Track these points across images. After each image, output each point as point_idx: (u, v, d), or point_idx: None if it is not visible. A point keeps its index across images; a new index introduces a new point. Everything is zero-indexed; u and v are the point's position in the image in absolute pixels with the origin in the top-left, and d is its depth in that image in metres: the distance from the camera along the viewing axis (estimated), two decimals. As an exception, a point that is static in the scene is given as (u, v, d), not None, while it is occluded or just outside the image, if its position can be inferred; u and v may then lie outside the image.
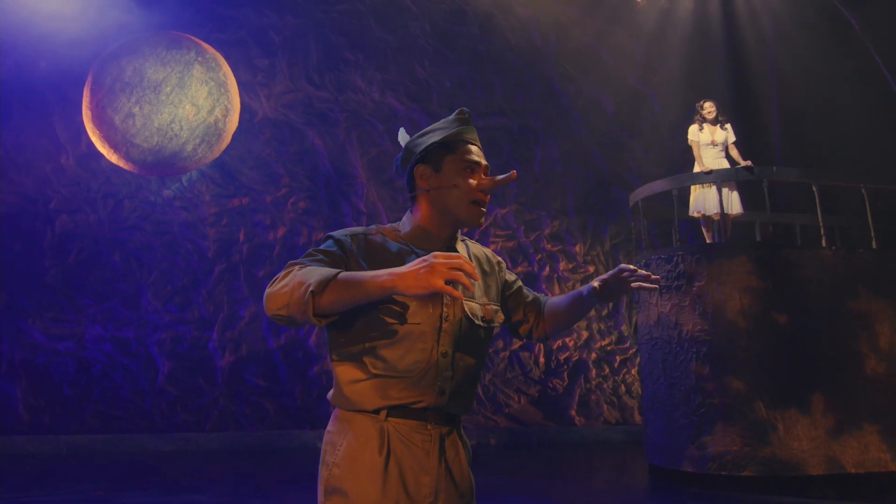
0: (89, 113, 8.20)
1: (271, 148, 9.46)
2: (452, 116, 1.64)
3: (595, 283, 1.67)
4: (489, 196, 1.58)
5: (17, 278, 8.43)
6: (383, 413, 1.48)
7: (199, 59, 8.47)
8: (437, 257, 1.25)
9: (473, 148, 1.60)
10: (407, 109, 9.92)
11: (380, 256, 1.52)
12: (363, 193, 9.61)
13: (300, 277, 1.33)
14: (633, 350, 9.76)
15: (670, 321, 6.08)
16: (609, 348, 9.89)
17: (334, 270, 1.34)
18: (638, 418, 9.50)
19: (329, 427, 1.56)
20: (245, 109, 9.25)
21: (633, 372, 9.72)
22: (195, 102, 8.37)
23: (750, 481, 5.54)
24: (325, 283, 1.30)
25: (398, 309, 1.47)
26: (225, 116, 8.64)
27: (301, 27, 9.74)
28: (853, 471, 5.53)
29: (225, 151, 8.98)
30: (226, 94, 8.65)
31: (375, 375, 1.47)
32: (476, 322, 1.57)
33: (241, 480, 6.54)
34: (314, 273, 1.34)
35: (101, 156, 8.61)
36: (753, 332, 5.74)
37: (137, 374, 8.59)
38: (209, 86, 8.49)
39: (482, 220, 1.57)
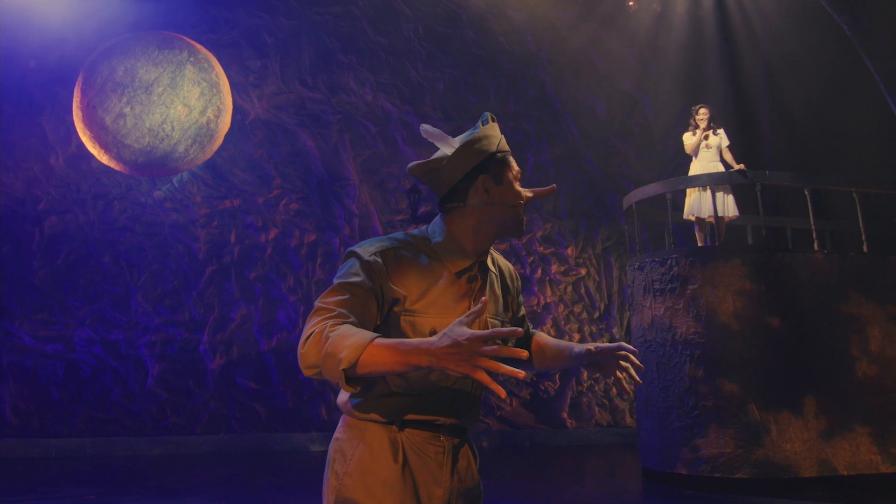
0: (80, 113, 8.13)
1: (263, 149, 9.42)
2: (488, 122, 1.56)
3: (591, 347, 1.58)
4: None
5: (5, 280, 8.34)
6: (396, 425, 1.46)
7: (192, 59, 8.42)
8: (473, 343, 1.15)
9: (512, 159, 1.56)
10: (400, 112, 9.92)
11: (410, 275, 1.44)
12: (355, 195, 9.58)
13: (332, 347, 1.24)
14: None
15: (664, 324, 6.10)
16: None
17: (367, 339, 1.23)
18: (629, 421, 9.53)
19: (338, 434, 1.52)
20: (237, 110, 9.21)
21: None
22: (187, 103, 8.32)
23: (743, 483, 5.56)
24: (355, 360, 1.22)
25: (423, 329, 1.42)
26: (217, 117, 8.59)
27: (294, 29, 9.72)
28: (845, 473, 5.57)
29: (217, 152, 8.93)
30: (218, 94, 8.60)
31: (394, 393, 1.44)
32: (497, 341, 1.50)
33: (233, 484, 6.49)
34: (345, 342, 1.24)
35: (91, 156, 8.54)
36: (747, 334, 5.78)
37: (127, 377, 8.51)
38: (201, 86, 8.43)
39: (523, 233, 1.56)
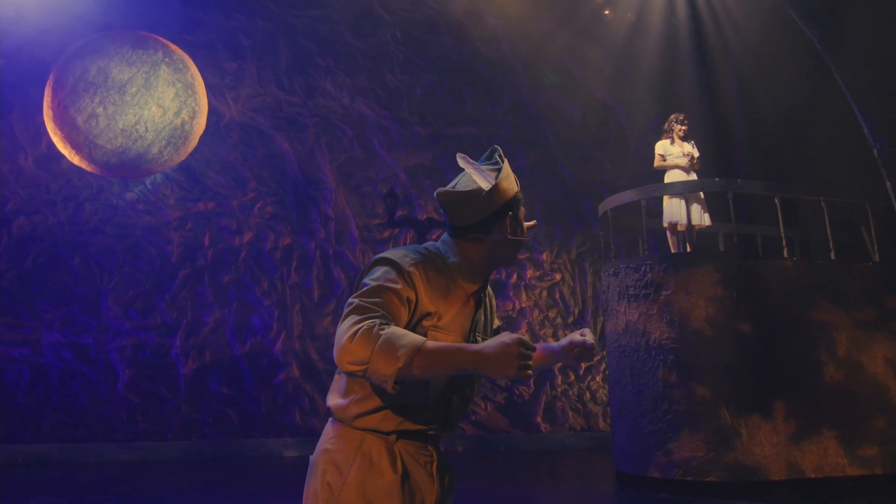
0: (51, 112, 7.98)
1: (239, 152, 9.34)
2: (499, 161, 1.64)
3: (575, 340, 1.72)
4: None
5: (-30, 282, 8.14)
6: (394, 436, 1.51)
7: (167, 59, 8.33)
8: (518, 346, 1.30)
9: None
10: (377, 116, 9.91)
11: (439, 292, 1.52)
12: (332, 199, 9.54)
13: (387, 347, 1.28)
14: (598, 357, 9.88)
15: (638, 329, 6.18)
16: (575, 356, 9.97)
17: (420, 342, 1.30)
18: (602, 425, 9.61)
19: (328, 445, 1.52)
20: (213, 112, 9.12)
21: (598, 379, 9.84)
22: (161, 104, 8.22)
23: (715, 486, 5.65)
24: (410, 361, 1.28)
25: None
26: (192, 119, 8.50)
27: (271, 31, 9.66)
28: (813, 475, 5.69)
29: (191, 154, 8.83)
30: (193, 96, 8.52)
31: (395, 404, 1.49)
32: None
33: (205, 490, 6.41)
34: (399, 342, 1.29)
35: (61, 157, 8.38)
36: (719, 340, 5.88)
37: (97, 382, 8.35)
38: (176, 87, 8.35)
39: None
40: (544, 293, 10.11)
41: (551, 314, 10.06)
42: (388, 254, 1.52)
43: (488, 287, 1.74)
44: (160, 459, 8.08)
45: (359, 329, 1.31)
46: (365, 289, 1.44)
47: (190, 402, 8.51)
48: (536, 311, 10.01)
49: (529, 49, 10.51)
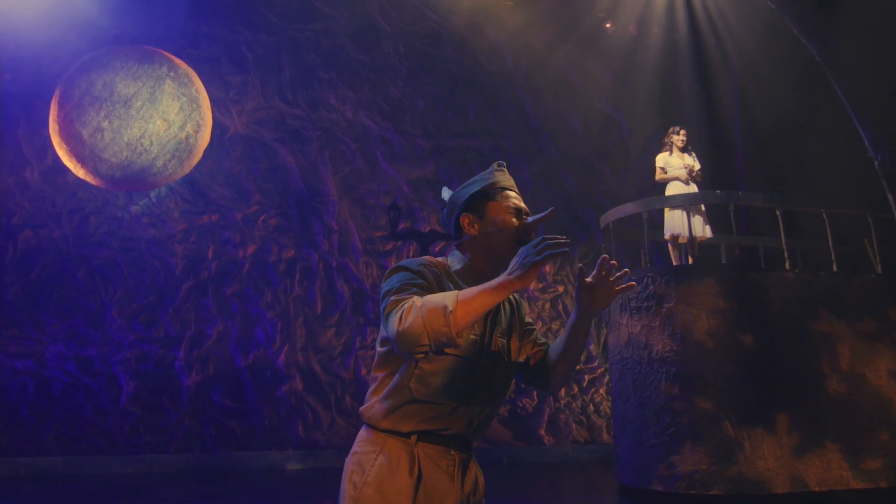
0: (56, 127, 8.05)
1: (242, 165, 9.40)
2: (490, 168, 1.77)
3: (583, 275, 1.66)
4: (533, 235, 1.70)
5: (-25, 294, 8.18)
6: (414, 437, 1.57)
7: (171, 74, 8.40)
8: (522, 252, 1.40)
9: (512, 193, 1.73)
10: (380, 129, 9.96)
11: (442, 289, 1.60)
12: (335, 211, 9.58)
13: (430, 305, 1.38)
14: (602, 369, 9.86)
15: (640, 342, 6.18)
16: (578, 368, 9.97)
17: (455, 292, 1.42)
18: (606, 437, 9.57)
19: (357, 448, 1.62)
20: (217, 126, 9.19)
21: (602, 391, 9.82)
22: (166, 118, 8.28)
23: (718, 500, 5.62)
24: (454, 305, 1.37)
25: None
26: (196, 132, 8.56)
27: (275, 45, 9.75)
28: (816, 489, 5.65)
29: (195, 168, 8.89)
30: (197, 109, 8.58)
31: (418, 400, 1.55)
32: (505, 358, 1.69)
33: (208, 503, 6.41)
34: (439, 298, 1.40)
35: (67, 170, 8.45)
36: (721, 352, 5.87)
37: (100, 394, 8.37)
38: (181, 101, 8.41)
39: None
40: (547, 305, 10.11)
41: (554, 326, 10.05)
42: (399, 264, 1.63)
43: (514, 296, 1.80)
44: (163, 472, 8.08)
45: (402, 313, 1.41)
46: (393, 287, 1.53)
47: (193, 415, 8.52)
48: (539, 324, 10.00)
49: (531, 61, 10.57)
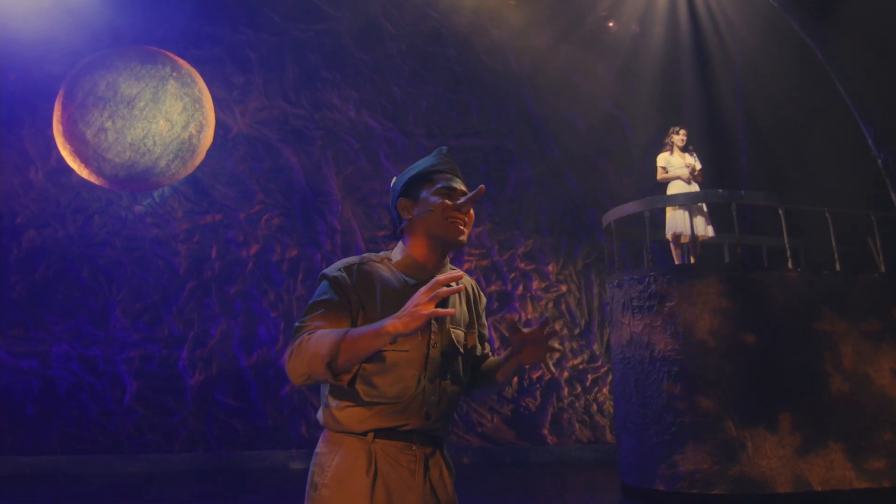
0: (60, 127, 8.09)
1: (245, 164, 9.42)
2: (431, 154, 1.76)
3: (517, 326, 1.66)
4: (469, 215, 1.65)
5: (-20, 294, 8.23)
6: (371, 435, 1.55)
7: (174, 74, 8.43)
8: (417, 296, 1.39)
9: (449, 176, 1.68)
10: (383, 129, 9.98)
11: (372, 285, 1.60)
12: (338, 211, 9.60)
13: (313, 349, 1.43)
14: (605, 369, 9.85)
15: (642, 341, 6.17)
16: (581, 367, 9.97)
17: (342, 333, 1.43)
18: (609, 437, 9.56)
19: (318, 449, 1.62)
20: (220, 126, 9.21)
21: (605, 391, 9.81)
22: (169, 118, 8.31)
23: (720, 499, 5.61)
24: (335, 352, 1.41)
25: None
26: (199, 132, 8.59)
27: (278, 45, 9.77)
28: (819, 489, 5.64)
29: (198, 167, 8.92)
30: (200, 109, 8.61)
31: (366, 403, 1.54)
32: (460, 349, 1.66)
33: (211, 502, 6.43)
34: (324, 341, 1.43)
35: (71, 171, 8.48)
36: (723, 351, 5.86)
37: (104, 394, 8.41)
38: (184, 101, 8.44)
39: (462, 236, 1.64)
40: (550, 304, 10.10)
41: (557, 326, 10.05)
42: (326, 269, 1.65)
43: (467, 282, 1.76)
44: (167, 471, 8.11)
45: (292, 349, 1.48)
46: (305, 309, 1.59)
47: (196, 414, 8.54)
48: (542, 323, 9.98)
49: (534, 60, 10.57)
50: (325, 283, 1.60)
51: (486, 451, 9.20)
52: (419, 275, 1.64)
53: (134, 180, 8.31)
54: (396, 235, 1.73)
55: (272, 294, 9.10)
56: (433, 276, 1.63)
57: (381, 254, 1.70)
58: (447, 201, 1.63)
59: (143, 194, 8.97)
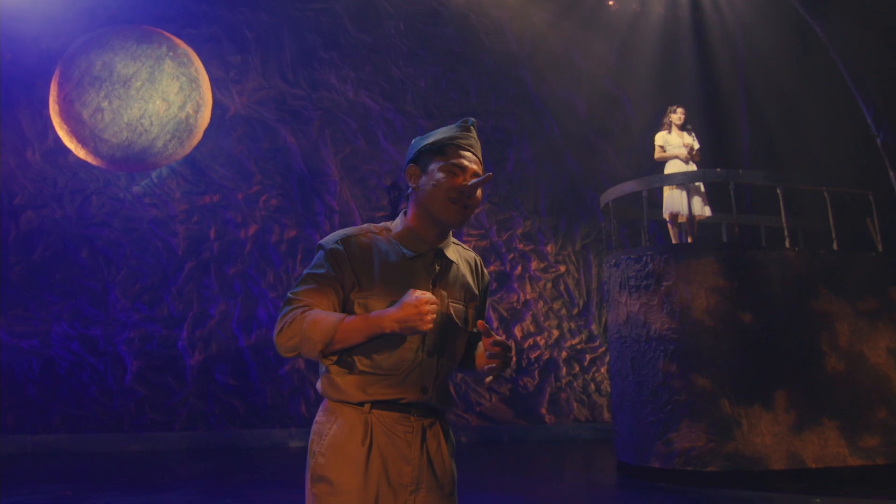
0: (56, 107, 8.05)
1: (243, 145, 9.39)
2: (456, 123, 1.68)
3: (485, 336, 1.59)
4: (473, 198, 1.59)
5: (-20, 275, 8.25)
6: (368, 405, 1.54)
7: (171, 54, 8.37)
8: (420, 303, 1.42)
9: (465, 153, 1.60)
10: (381, 109, 9.93)
11: (369, 258, 1.58)
12: (336, 192, 9.59)
13: (307, 331, 1.46)
14: (603, 349, 9.89)
15: (639, 320, 6.19)
16: (579, 347, 10.01)
17: (338, 320, 1.46)
18: (607, 416, 9.63)
19: (317, 417, 1.62)
20: (217, 106, 9.17)
21: (603, 370, 9.86)
22: (166, 98, 8.27)
23: (715, 476, 5.67)
24: (330, 339, 1.45)
25: (375, 310, 1.52)
26: (196, 112, 8.55)
27: (275, 25, 9.69)
28: (813, 465, 5.69)
29: (196, 148, 8.89)
30: (197, 89, 8.56)
31: (361, 372, 1.54)
32: (459, 323, 1.64)
33: (211, 480, 6.50)
34: (319, 326, 1.46)
35: (68, 151, 8.46)
36: (719, 330, 5.88)
37: (105, 374, 8.46)
38: (180, 81, 8.39)
39: (461, 218, 1.59)
40: (549, 285, 10.13)
41: (556, 306, 10.08)
42: (323, 239, 1.63)
43: (471, 259, 1.74)
44: (167, 449, 8.19)
45: (284, 323, 1.49)
46: (298, 279, 1.58)
47: (197, 394, 8.60)
48: (541, 303, 10.03)
49: (534, 40, 10.49)
50: (321, 254, 1.59)
51: (484, 430, 9.27)
52: (418, 247, 1.61)
53: (131, 161, 8.30)
54: (396, 203, 1.71)
55: (271, 275, 9.12)
56: (432, 249, 1.62)
57: (381, 224, 1.67)
58: (453, 181, 1.57)
59: (141, 175, 8.96)
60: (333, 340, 1.45)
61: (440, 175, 1.58)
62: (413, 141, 1.71)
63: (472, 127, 1.66)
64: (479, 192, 1.61)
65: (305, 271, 1.58)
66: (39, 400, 8.21)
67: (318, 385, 1.62)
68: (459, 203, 1.57)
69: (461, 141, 1.62)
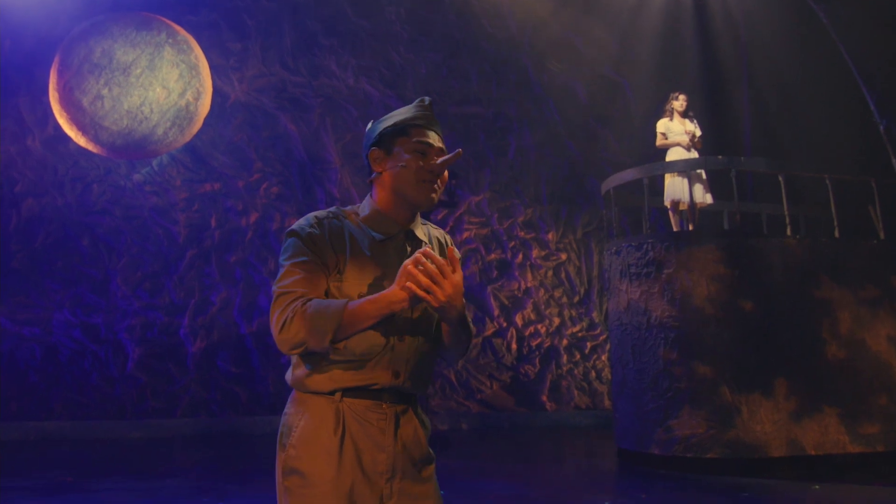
0: (56, 94, 8.02)
1: (244, 132, 9.37)
2: (413, 103, 1.65)
3: None
4: (442, 177, 1.58)
5: (-19, 263, 8.26)
6: (338, 394, 1.51)
7: (170, 41, 8.33)
8: (406, 266, 1.39)
9: (428, 132, 1.59)
10: (382, 95, 9.89)
11: (342, 241, 1.55)
12: (337, 179, 9.57)
13: (315, 322, 1.41)
14: (604, 336, 9.91)
15: (640, 307, 6.19)
16: (580, 335, 10.03)
17: (342, 306, 1.41)
18: (607, 403, 9.66)
19: (286, 409, 1.59)
20: (217, 93, 9.13)
21: (604, 358, 9.88)
22: (166, 85, 8.24)
23: (715, 463, 5.69)
24: (337, 327, 1.40)
25: (349, 294, 1.50)
26: (196, 100, 8.52)
27: (275, 11, 9.63)
28: (813, 452, 5.71)
29: (196, 135, 8.86)
30: (197, 76, 8.52)
31: (333, 361, 1.50)
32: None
33: (213, 467, 6.53)
34: (323, 315, 1.41)
35: (68, 139, 8.44)
36: (720, 318, 5.88)
37: (107, 361, 8.49)
38: (180, 68, 8.35)
39: (432, 199, 1.57)
40: (550, 273, 10.13)
41: (557, 294, 10.08)
42: (294, 225, 1.58)
43: (440, 237, 1.72)
44: (169, 437, 8.22)
45: (285, 318, 1.43)
46: (280, 272, 1.52)
47: (199, 381, 8.63)
48: (542, 291, 10.03)
49: (535, 26, 10.42)
50: (296, 241, 1.54)
51: (485, 417, 9.30)
52: (388, 229, 1.58)
53: (131, 148, 8.28)
54: (366, 185, 1.66)
55: (272, 262, 9.13)
56: (402, 231, 1.60)
57: (350, 208, 1.64)
58: (421, 161, 1.55)
59: (142, 162, 8.94)
60: (339, 327, 1.39)
61: (408, 156, 1.55)
62: (370, 124, 1.67)
63: (429, 105, 1.64)
64: (445, 170, 1.59)
65: (286, 262, 1.52)
66: (41, 387, 8.25)
67: (288, 377, 1.58)
68: (430, 182, 1.56)
69: (422, 120, 1.60)
